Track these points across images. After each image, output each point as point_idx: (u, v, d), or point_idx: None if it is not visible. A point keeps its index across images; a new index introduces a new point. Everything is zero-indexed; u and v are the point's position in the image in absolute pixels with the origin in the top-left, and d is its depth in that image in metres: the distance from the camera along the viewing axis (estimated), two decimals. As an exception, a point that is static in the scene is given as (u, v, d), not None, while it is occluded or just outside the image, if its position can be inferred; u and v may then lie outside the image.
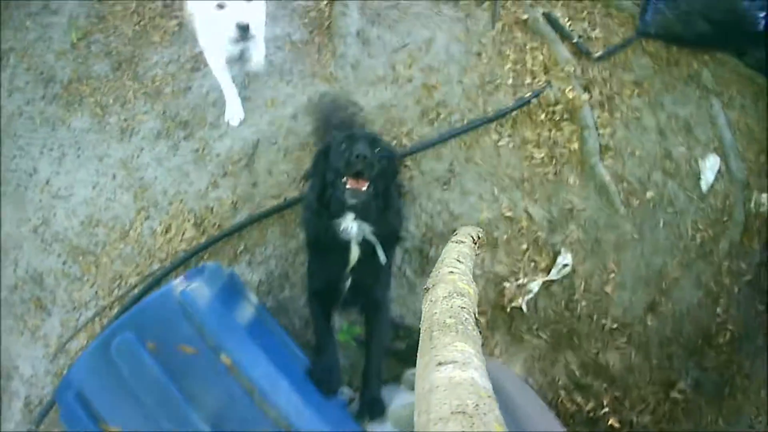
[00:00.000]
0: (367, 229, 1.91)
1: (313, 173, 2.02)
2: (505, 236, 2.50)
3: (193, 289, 1.81)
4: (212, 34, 2.25)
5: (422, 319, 1.01)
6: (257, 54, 2.58)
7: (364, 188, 1.78)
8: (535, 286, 2.46)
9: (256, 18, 2.13)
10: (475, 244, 1.62)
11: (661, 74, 2.88)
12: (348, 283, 2.00)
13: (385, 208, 1.93)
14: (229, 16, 2.03)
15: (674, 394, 2.61)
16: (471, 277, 1.22)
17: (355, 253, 1.96)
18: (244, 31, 2.03)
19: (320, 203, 1.93)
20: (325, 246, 2.00)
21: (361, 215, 1.88)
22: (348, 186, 1.77)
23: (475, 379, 0.73)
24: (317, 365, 1.92)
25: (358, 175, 1.76)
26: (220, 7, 2.04)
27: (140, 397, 1.67)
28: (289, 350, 2.00)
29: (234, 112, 2.63)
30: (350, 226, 1.89)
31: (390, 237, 2.03)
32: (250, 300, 2.02)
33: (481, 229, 1.83)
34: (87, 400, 1.71)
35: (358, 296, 2.05)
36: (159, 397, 1.66)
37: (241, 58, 2.52)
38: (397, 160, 2.04)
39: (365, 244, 1.95)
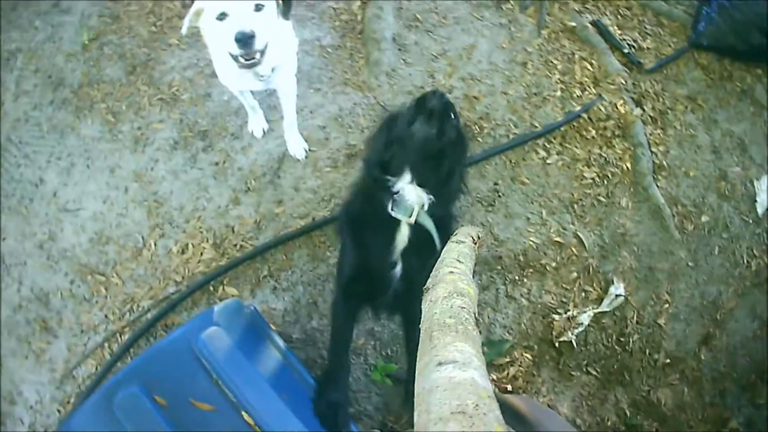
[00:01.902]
0: (425, 198, 1.42)
1: (376, 137, 1.55)
2: (553, 263, 2.10)
3: (209, 335, 1.44)
4: (219, 50, 1.65)
5: (422, 319, 0.93)
6: (282, 77, 1.88)
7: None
8: (585, 318, 2.07)
9: (267, 30, 1.51)
10: (475, 244, 1.39)
11: (715, 89, 2.49)
12: (398, 271, 1.50)
13: (446, 184, 1.46)
14: (230, 27, 1.46)
15: (726, 433, 2.23)
16: (471, 277, 1.12)
17: (404, 232, 1.47)
18: (246, 42, 1.45)
19: (384, 153, 1.45)
20: (368, 218, 1.51)
21: (420, 179, 1.41)
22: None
23: (475, 379, 0.68)
24: (323, 396, 1.48)
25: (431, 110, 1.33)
26: (222, 17, 1.48)
27: (147, 460, 1.31)
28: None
29: (257, 122, 2.21)
30: (405, 188, 1.41)
31: (445, 220, 1.53)
32: (276, 343, 1.63)
33: (480, 229, 1.53)
34: (87, 458, 1.34)
35: (408, 295, 1.49)
36: (168, 460, 1.30)
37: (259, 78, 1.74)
38: (467, 144, 1.54)
39: (416, 226, 1.46)
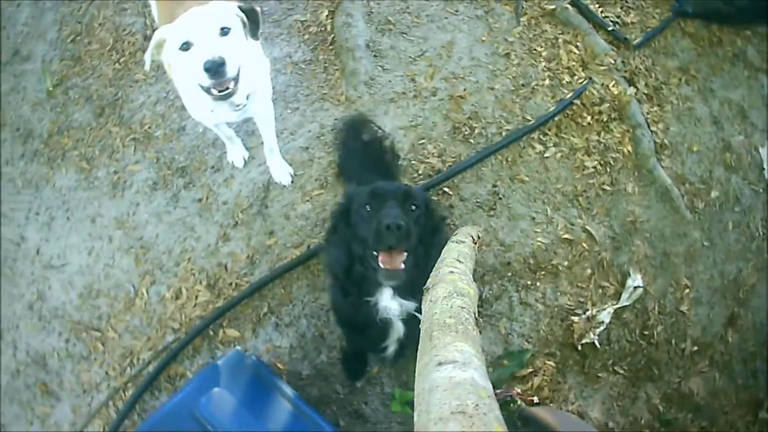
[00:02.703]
0: (412, 306, 1.30)
1: (334, 240, 1.39)
2: (565, 262, 1.93)
3: (210, 397, 1.35)
4: (187, 84, 1.48)
5: (422, 319, 0.92)
6: (260, 108, 1.70)
7: (403, 261, 1.18)
8: (605, 315, 1.90)
9: (237, 55, 1.31)
10: (475, 243, 1.34)
11: (706, 57, 2.31)
12: (393, 349, 1.43)
13: (426, 265, 1.29)
14: (196, 56, 1.27)
15: (763, 414, 2.07)
16: (471, 277, 1.10)
17: (398, 329, 1.36)
18: (217, 71, 1.25)
19: (348, 281, 1.32)
20: (359, 326, 1.41)
21: (402, 292, 1.28)
22: (382, 264, 1.16)
23: (475, 379, 0.66)
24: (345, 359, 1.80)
25: (392, 248, 1.17)
26: (186, 47, 1.29)
27: None
28: (336, 445, 1.44)
29: (236, 152, 2.03)
30: (389, 305, 1.29)
31: None
32: (284, 391, 1.47)
33: (480, 229, 1.50)
34: None
35: (407, 354, 1.47)
36: None
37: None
38: (432, 206, 1.38)
39: (410, 319, 1.34)
